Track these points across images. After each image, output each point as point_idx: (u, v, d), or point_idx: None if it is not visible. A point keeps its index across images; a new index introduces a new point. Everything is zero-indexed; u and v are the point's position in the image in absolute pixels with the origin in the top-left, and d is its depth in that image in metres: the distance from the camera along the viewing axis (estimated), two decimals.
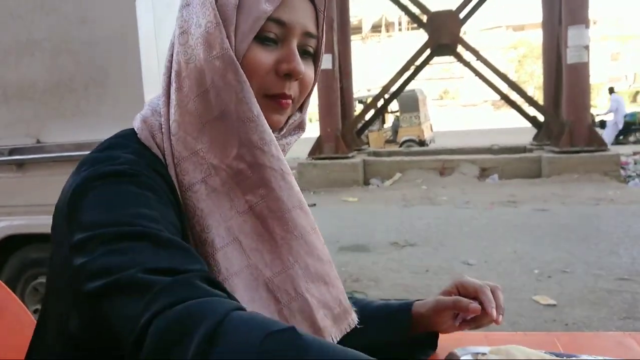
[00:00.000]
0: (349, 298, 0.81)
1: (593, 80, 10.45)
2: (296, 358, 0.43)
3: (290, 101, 0.71)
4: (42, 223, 2.84)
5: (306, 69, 0.71)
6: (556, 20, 10.03)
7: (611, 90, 14.42)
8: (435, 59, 12.37)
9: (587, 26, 9.19)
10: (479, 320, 0.85)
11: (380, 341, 0.85)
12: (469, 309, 0.82)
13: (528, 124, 12.12)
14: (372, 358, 0.45)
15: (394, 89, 12.27)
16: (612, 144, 12.46)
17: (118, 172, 0.61)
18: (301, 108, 0.78)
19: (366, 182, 10.33)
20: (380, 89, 12.92)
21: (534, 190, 8.38)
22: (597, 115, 14.37)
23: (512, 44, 41.77)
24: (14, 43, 2.77)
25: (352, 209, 7.86)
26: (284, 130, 0.75)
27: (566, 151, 9.33)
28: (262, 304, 0.66)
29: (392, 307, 0.90)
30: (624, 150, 11.11)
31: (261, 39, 0.67)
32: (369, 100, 13.69)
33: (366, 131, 13.59)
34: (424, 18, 11.80)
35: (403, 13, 14.57)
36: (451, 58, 12.51)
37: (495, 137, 15.80)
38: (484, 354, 0.83)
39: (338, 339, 0.72)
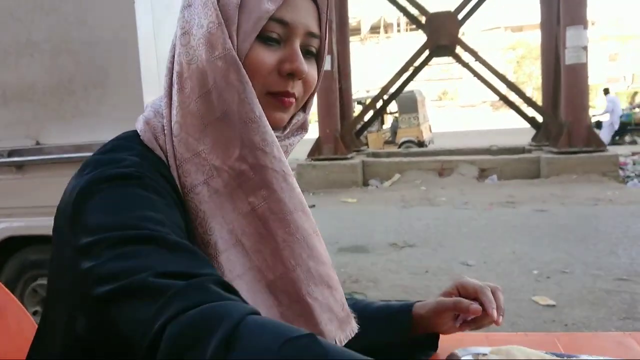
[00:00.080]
0: (348, 299, 0.81)
1: (591, 80, 10.46)
2: None
3: (293, 100, 0.71)
4: (42, 225, 2.84)
5: (309, 68, 0.71)
6: (554, 21, 10.04)
7: (606, 91, 14.45)
8: (434, 60, 12.37)
9: (586, 27, 9.20)
10: (479, 321, 0.85)
11: (381, 342, 0.85)
12: (469, 310, 0.81)
13: (527, 125, 12.13)
14: None
15: (392, 90, 12.27)
16: (609, 144, 12.47)
17: (123, 175, 0.61)
18: (304, 108, 0.78)
19: (365, 183, 10.33)
20: (379, 90, 12.93)
21: (532, 191, 8.38)
22: (593, 115, 14.40)
23: (511, 45, 41.80)
24: (13, 44, 2.77)
25: (351, 209, 7.86)
26: (287, 129, 0.75)
27: (565, 152, 9.34)
28: (264, 306, 0.66)
29: (392, 308, 0.90)
30: (620, 150, 11.12)
31: (264, 38, 0.67)
32: (367, 101, 13.69)
33: (365, 132, 13.59)
34: (423, 19, 11.81)
35: (402, 14, 14.57)
36: (450, 59, 12.52)
37: (494, 138, 15.81)
38: (484, 354, 0.83)
39: (344, 344, 0.71)
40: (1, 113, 2.82)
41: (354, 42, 23.25)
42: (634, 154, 10.74)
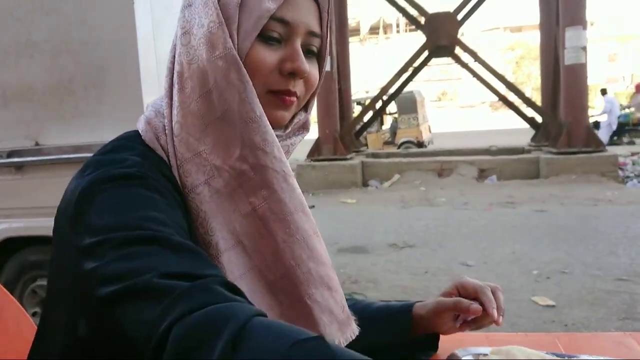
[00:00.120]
0: (348, 299, 0.81)
1: (591, 81, 10.46)
2: None
3: (294, 99, 0.71)
4: (41, 225, 2.84)
5: (311, 68, 0.71)
6: (553, 22, 10.04)
7: (604, 92, 14.47)
8: (433, 61, 12.38)
9: (585, 27, 9.20)
10: (479, 321, 0.85)
11: (381, 343, 0.85)
12: (469, 310, 0.81)
13: (526, 125, 12.13)
14: None
15: (392, 90, 12.27)
16: (607, 144, 12.47)
17: (126, 175, 0.61)
18: (306, 108, 0.77)
19: (365, 184, 10.33)
20: (379, 90, 12.93)
21: (532, 191, 8.38)
22: (591, 116, 14.42)
23: (510, 46, 41.83)
24: (13, 44, 2.77)
25: (350, 210, 7.86)
26: (289, 129, 0.75)
27: (564, 152, 9.34)
28: (265, 307, 0.66)
29: (392, 308, 0.90)
30: (619, 150, 11.12)
31: (264, 38, 0.67)
32: (367, 102, 13.69)
33: (364, 133, 13.59)
34: (422, 20, 11.82)
35: (401, 15, 14.58)
36: (449, 59, 12.52)
37: (493, 138, 15.81)
38: (485, 354, 0.83)
39: (344, 346, 0.71)
40: (1, 113, 2.82)
41: (353, 43, 23.26)
42: (633, 154, 10.74)
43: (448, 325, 0.87)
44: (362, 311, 0.87)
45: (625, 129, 14.13)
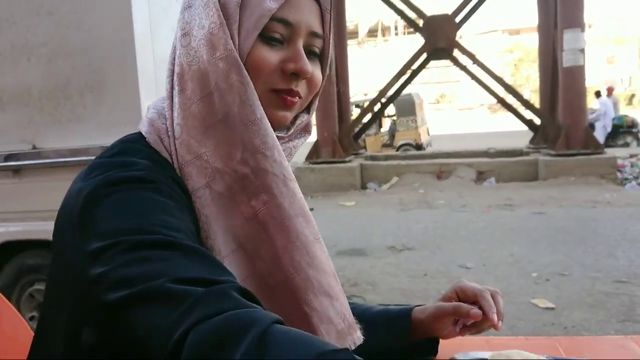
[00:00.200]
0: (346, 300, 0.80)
1: (589, 83, 10.48)
2: None
3: (297, 99, 0.70)
4: (39, 229, 2.83)
5: (313, 68, 0.70)
6: (552, 24, 10.06)
7: (598, 94, 14.52)
8: (432, 63, 12.39)
9: (583, 29, 9.22)
10: (479, 325, 0.84)
11: (380, 347, 0.84)
12: (469, 314, 0.81)
13: (524, 127, 12.15)
14: None
15: (390, 93, 12.28)
16: None
17: (135, 178, 0.60)
18: (308, 109, 0.77)
19: (363, 186, 10.33)
20: (377, 93, 12.94)
21: (530, 194, 8.38)
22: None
23: (508, 48, 41.92)
24: (9, 48, 2.77)
25: (349, 213, 7.85)
26: (292, 130, 0.74)
27: (563, 154, 9.35)
28: None
29: (391, 312, 0.89)
30: (614, 152, 11.12)
31: (266, 38, 0.66)
32: (365, 105, 13.70)
33: (363, 135, 13.59)
34: (420, 22, 11.83)
35: (399, 17, 14.60)
36: (447, 62, 12.53)
37: (491, 141, 15.82)
38: (485, 359, 0.83)
39: None
40: None
41: (351, 46, 23.31)
42: (631, 156, 10.75)
43: (448, 329, 0.86)
44: (361, 315, 0.86)
45: (619, 131, 14.18)
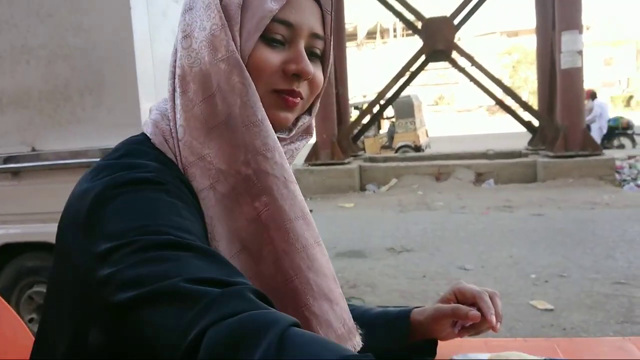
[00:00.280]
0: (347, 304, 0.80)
1: (587, 85, 10.49)
2: None
3: (298, 100, 0.70)
4: (38, 231, 2.83)
5: (315, 70, 0.70)
6: (550, 26, 10.07)
7: (594, 96, 14.56)
8: (430, 65, 12.39)
9: (581, 32, 9.23)
10: (477, 326, 0.84)
11: (379, 349, 0.84)
12: (468, 316, 0.81)
13: (523, 129, 12.16)
14: None
15: (389, 95, 12.28)
16: None
17: (144, 180, 0.59)
18: (310, 111, 0.77)
19: (362, 188, 10.33)
20: (376, 95, 12.94)
21: (529, 195, 8.39)
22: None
23: (506, 50, 41.98)
24: (8, 50, 2.77)
25: (348, 214, 7.85)
26: (293, 132, 0.74)
27: (561, 156, 9.35)
28: None
29: (390, 314, 0.90)
30: (613, 154, 11.14)
31: (268, 40, 0.66)
32: (364, 107, 13.69)
33: (362, 137, 13.59)
34: (419, 24, 11.83)
35: (398, 19, 14.60)
36: (446, 64, 12.53)
37: (490, 142, 15.84)
38: None
39: None
40: None
41: (350, 48, 23.31)
42: (630, 157, 10.76)
43: (446, 331, 0.86)
44: (360, 317, 0.86)
45: (615, 133, 14.23)
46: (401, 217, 7.33)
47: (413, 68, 11.80)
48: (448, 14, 11.43)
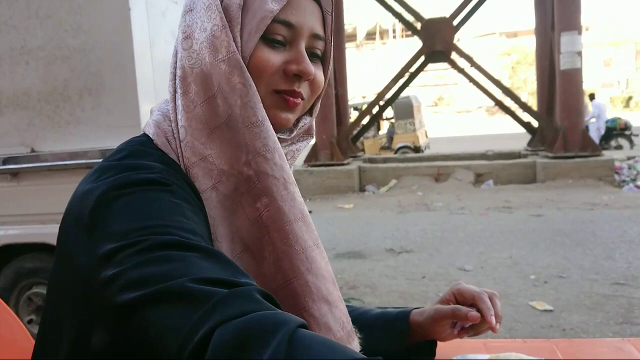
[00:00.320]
0: (345, 306, 0.80)
1: (586, 85, 10.51)
2: None
3: (299, 100, 0.70)
4: (37, 232, 2.83)
5: (316, 70, 0.70)
6: (549, 27, 10.09)
7: (592, 97, 14.59)
8: (430, 66, 12.40)
9: (580, 32, 9.25)
10: (477, 327, 0.84)
11: (378, 350, 0.84)
12: (467, 317, 0.81)
13: (522, 130, 12.17)
14: None
15: (388, 95, 12.30)
16: None
17: (150, 181, 0.59)
18: (310, 112, 0.77)
19: (362, 189, 10.33)
20: (375, 95, 12.95)
21: (528, 196, 8.39)
22: None
23: (506, 51, 42.04)
24: (8, 51, 2.77)
25: (347, 215, 7.85)
26: (294, 133, 0.74)
27: (560, 156, 9.36)
28: None
29: (389, 315, 0.89)
30: (612, 155, 11.15)
31: (269, 40, 0.66)
32: (364, 107, 13.71)
33: (361, 138, 13.60)
34: (418, 25, 11.84)
35: (397, 20, 14.62)
36: (445, 65, 12.55)
37: (489, 143, 15.85)
38: None
39: None
40: None
41: (349, 49, 23.32)
42: (629, 158, 10.77)
43: (446, 332, 0.86)
44: (359, 318, 0.86)
45: (613, 134, 14.28)
46: (400, 218, 7.33)
47: (412, 69, 11.82)
48: (447, 15, 11.44)
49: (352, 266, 4.94)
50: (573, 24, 9.17)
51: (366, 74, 37.20)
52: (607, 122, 14.18)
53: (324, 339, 0.46)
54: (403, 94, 12.93)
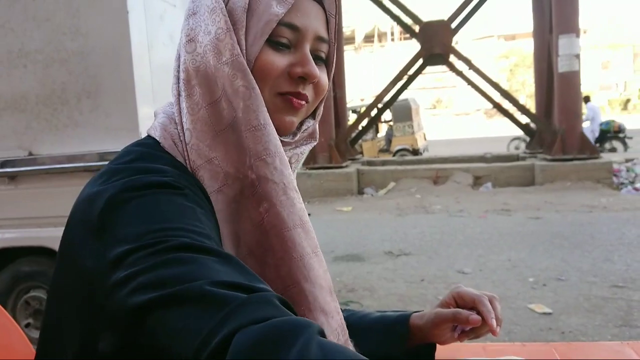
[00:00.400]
0: (344, 310, 0.79)
1: (584, 88, 10.53)
2: None
3: (304, 102, 0.69)
4: (35, 236, 2.82)
5: (320, 73, 0.70)
6: (547, 30, 10.11)
7: (587, 100, 14.65)
8: (428, 69, 12.41)
9: (578, 35, 9.27)
10: (477, 330, 0.84)
11: (378, 353, 0.84)
12: (469, 321, 0.81)
13: (520, 132, 12.18)
14: None
15: (387, 98, 12.31)
16: None
17: (162, 184, 0.58)
18: (314, 115, 0.77)
19: (360, 192, 10.33)
20: (374, 98, 12.96)
21: (527, 198, 8.40)
22: None
23: (504, 53, 42.13)
24: (5, 54, 2.77)
25: (346, 218, 7.85)
26: (298, 136, 0.73)
27: (559, 159, 9.38)
28: None
29: (389, 319, 0.89)
30: (611, 157, 11.17)
31: (274, 43, 0.66)
32: (362, 110, 13.72)
33: (360, 141, 13.61)
34: (416, 28, 11.87)
35: (395, 23, 14.64)
36: (444, 67, 12.57)
37: (488, 146, 15.87)
38: None
39: None
40: None
41: (348, 51, 23.36)
42: (627, 160, 10.79)
43: (446, 335, 0.86)
44: (358, 322, 0.86)
45: (606, 136, 14.33)
46: (399, 221, 7.33)
47: (411, 72, 11.83)
48: (445, 18, 11.46)
49: (350, 269, 4.93)
50: (571, 27, 9.19)
51: (364, 76, 37.22)
52: (601, 124, 14.23)
53: (343, 347, 0.46)
54: (401, 97, 12.95)
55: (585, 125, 13.73)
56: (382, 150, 15.32)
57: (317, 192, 10.06)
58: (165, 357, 0.48)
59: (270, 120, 0.65)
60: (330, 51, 0.73)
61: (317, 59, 0.70)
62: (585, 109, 13.92)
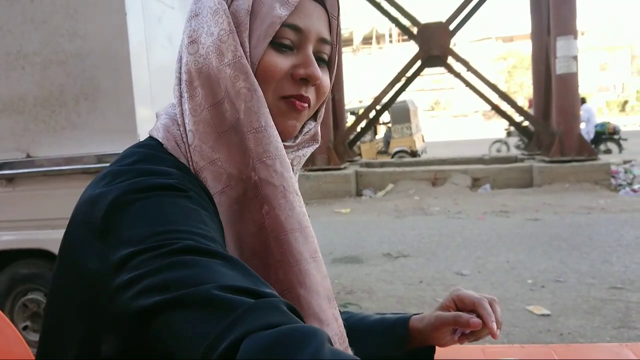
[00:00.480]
0: (343, 312, 0.79)
1: (582, 90, 10.55)
2: None
3: (306, 105, 0.69)
4: (33, 238, 2.82)
5: (323, 75, 0.70)
6: (545, 31, 10.13)
7: (582, 101, 14.69)
8: (426, 70, 12.43)
9: (576, 37, 9.29)
10: (477, 333, 0.84)
11: (377, 356, 0.84)
12: (469, 324, 0.80)
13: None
14: None
15: (385, 100, 12.32)
16: None
17: (166, 186, 0.58)
18: (315, 117, 0.76)
19: (359, 193, 10.34)
20: (372, 100, 12.97)
21: (525, 200, 8.41)
22: None
23: (502, 55, 42.23)
24: (3, 57, 2.77)
25: (344, 220, 7.85)
26: (299, 139, 0.73)
27: (557, 160, 9.39)
28: None
29: (388, 321, 0.89)
30: (609, 159, 11.19)
31: (276, 45, 0.66)
32: (360, 112, 13.73)
33: (358, 142, 13.62)
34: (415, 30, 11.88)
35: (393, 25, 14.66)
36: (442, 69, 12.57)
37: (486, 148, 15.89)
38: None
39: None
40: None
41: (346, 53, 23.38)
42: (625, 162, 10.81)
43: (446, 338, 0.85)
44: (357, 324, 0.86)
45: (601, 138, 14.37)
46: (397, 223, 7.33)
47: (409, 73, 11.84)
48: (443, 20, 11.48)
49: (349, 271, 4.93)
50: (569, 29, 9.21)
51: (363, 78, 37.25)
52: (596, 126, 14.27)
53: (351, 356, 0.45)
54: (400, 99, 12.96)
55: (581, 126, 13.78)
56: (380, 152, 15.33)
57: (316, 194, 10.06)
58: (172, 359, 0.48)
59: (272, 122, 0.65)
60: (333, 53, 0.73)
61: (319, 60, 0.70)
62: (581, 110, 13.97)
